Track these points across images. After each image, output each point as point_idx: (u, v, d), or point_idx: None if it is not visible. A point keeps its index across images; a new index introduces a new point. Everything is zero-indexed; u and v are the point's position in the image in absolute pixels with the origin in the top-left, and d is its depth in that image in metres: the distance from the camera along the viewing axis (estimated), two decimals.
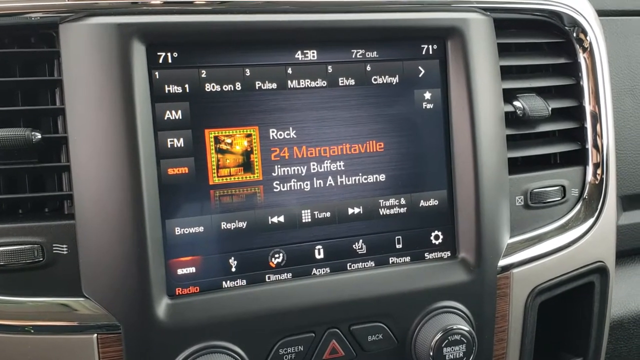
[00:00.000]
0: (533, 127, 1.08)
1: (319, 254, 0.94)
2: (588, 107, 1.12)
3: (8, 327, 0.82)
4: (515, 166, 1.07)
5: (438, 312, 0.96)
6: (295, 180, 0.92)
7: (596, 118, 1.12)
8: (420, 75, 0.97)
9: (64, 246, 0.84)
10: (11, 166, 0.85)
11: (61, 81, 0.84)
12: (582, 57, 1.12)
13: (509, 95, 1.05)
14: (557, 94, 1.13)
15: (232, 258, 0.90)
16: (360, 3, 0.93)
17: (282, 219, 0.92)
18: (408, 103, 0.96)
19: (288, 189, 0.92)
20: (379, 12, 0.94)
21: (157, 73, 0.85)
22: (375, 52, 0.95)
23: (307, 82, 0.92)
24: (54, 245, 0.84)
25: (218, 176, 0.89)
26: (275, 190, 0.91)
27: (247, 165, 0.90)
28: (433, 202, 0.98)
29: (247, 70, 0.89)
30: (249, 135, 0.90)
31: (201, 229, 0.88)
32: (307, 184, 0.93)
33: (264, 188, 0.91)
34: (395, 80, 0.96)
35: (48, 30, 0.86)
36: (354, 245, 0.96)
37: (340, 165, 0.94)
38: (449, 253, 1.00)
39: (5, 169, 0.85)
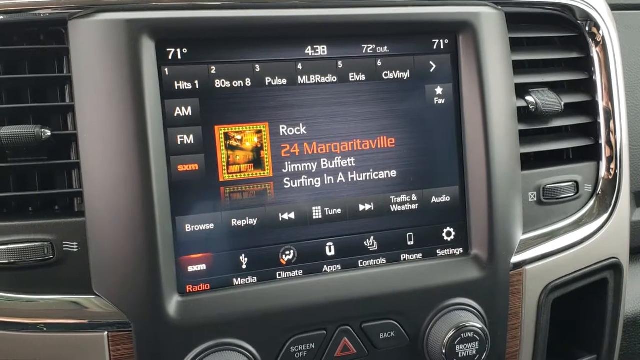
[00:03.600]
0: (546, 122, 1.06)
1: (330, 250, 0.93)
2: (601, 102, 1.10)
3: (20, 325, 0.82)
4: (528, 162, 1.06)
5: (450, 309, 0.95)
6: (305, 177, 0.92)
7: (609, 113, 1.10)
8: (431, 70, 0.96)
9: (74, 244, 0.84)
10: (21, 164, 0.84)
11: (70, 78, 0.84)
12: (594, 52, 1.11)
13: (521, 90, 1.04)
14: (570, 88, 1.11)
15: (243, 255, 0.89)
16: None
17: (292, 215, 0.91)
18: (419, 98, 0.95)
19: (298, 185, 0.91)
20: (389, 6, 0.93)
21: (166, 69, 0.85)
22: (386, 47, 0.94)
23: (318, 77, 0.91)
24: (64, 242, 0.83)
25: (228, 173, 0.88)
26: (285, 186, 0.91)
27: (257, 162, 0.89)
28: (445, 199, 0.97)
29: (257, 66, 0.89)
30: (259, 132, 0.89)
31: (211, 226, 0.87)
32: (317, 181, 0.92)
33: (274, 185, 0.90)
34: (406, 75, 0.95)
35: (57, 27, 0.85)
36: (365, 242, 0.95)
37: (351, 162, 0.93)
38: (461, 250, 0.99)
39: (15, 167, 0.84)
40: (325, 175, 0.92)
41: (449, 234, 0.98)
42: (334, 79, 0.92)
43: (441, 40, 0.96)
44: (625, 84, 1.13)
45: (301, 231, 0.92)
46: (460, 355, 0.93)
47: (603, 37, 1.10)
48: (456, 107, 0.97)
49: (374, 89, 0.93)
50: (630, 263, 1.16)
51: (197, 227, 0.87)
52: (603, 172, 1.10)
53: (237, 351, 0.86)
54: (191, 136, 0.86)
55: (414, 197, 0.96)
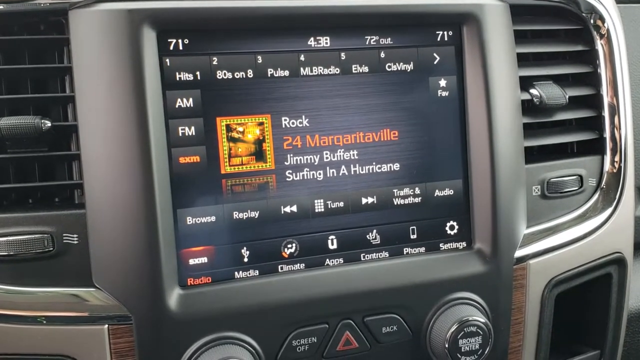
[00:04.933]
0: (550, 115, 1.06)
1: (332, 244, 0.93)
2: (605, 95, 1.10)
3: (20, 317, 0.82)
4: (532, 155, 1.05)
5: (453, 303, 0.95)
6: (308, 170, 0.91)
7: (614, 106, 1.10)
8: (435, 62, 0.95)
9: (75, 236, 0.83)
10: (21, 155, 0.83)
11: (71, 68, 0.83)
12: (599, 44, 1.10)
13: (525, 83, 1.03)
14: (574, 82, 1.11)
15: (245, 248, 0.89)
16: None
17: (294, 208, 0.90)
18: (423, 91, 0.94)
19: (301, 178, 0.90)
20: None
21: (168, 60, 0.84)
22: (389, 39, 0.93)
23: (320, 69, 0.90)
24: (64, 235, 0.83)
25: (230, 165, 0.87)
26: (287, 179, 0.90)
27: (259, 154, 0.88)
28: (448, 192, 0.97)
29: (259, 57, 0.88)
30: (261, 124, 0.88)
31: (213, 218, 0.87)
32: (320, 173, 0.91)
33: (276, 177, 0.89)
34: (409, 67, 0.94)
35: (57, 17, 0.84)
36: (367, 236, 0.94)
37: (353, 154, 0.92)
38: (464, 244, 0.98)
39: (15, 158, 0.83)
40: (327, 168, 0.91)
41: (452, 227, 0.98)
42: (337, 70, 0.91)
43: (445, 32, 0.95)
44: (630, 77, 1.12)
45: (303, 224, 0.91)
46: (463, 350, 0.92)
47: (608, 30, 1.10)
48: (460, 100, 0.96)
49: (377, 81, 0.93)
50: (634, 258, 1.15)
51: (198, 220, 0.86)
52: (607, 166, 1.09)
53: (239, 345, 0.85)
54: (192, 128, 0.85)
55: (417, 191, 0.95)
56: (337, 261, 0.93)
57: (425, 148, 0.95)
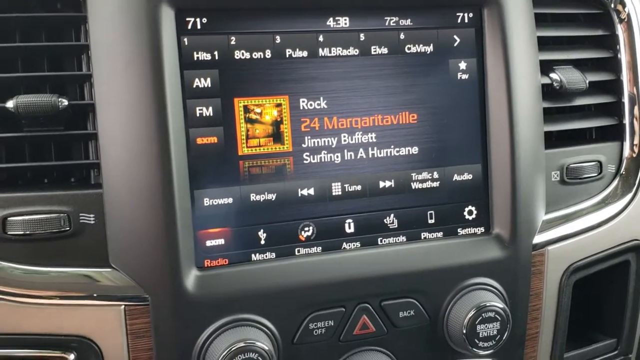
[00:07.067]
0: (569, 100, 1.05)
1: (350, 227, 0.92)
2: (625, 81, 1.08)
3: (36, 297, 0.81)
4: (550, 140, 1.04)
5: (471, 288, 0.94)
6: (325, 152, 0.90)
7: (634, 91, 1.08)
8: (455, 45, 0.94)
9: (91, 216, 0.82)
10: (37, 133, 0.83)
11: (88, 47, 0.82)
12: (619, 29, 1.08)
13: (545, 67, 1.02)
14: (594, 67, 1.09)
15: (262, 230, 0.88)
16: None
17: (312, 191, 0.90)
18: (442, 73, 0.93)
19: (318, 160, 0.89)
20: None
21: (185, 39, 0.83)
22: (409, 20, 0.91)
23: (339, 50, 0.89)
24: (80, 214, 0.82)
25: (247, 147, 0.86)
26: (305, 161, 0.89)
27: (276, 136, 0.88)
28: (467, 176, 0.96)
29: (277, 38, 0.87)
30: (278, 105, 0.87)
31: (230, 200, 0.86)
32: (337, 156, 0.90)
33: (293, 159, 0.88)
34: (429, 49, 0.93)
35: None
36: (385, 220, 0.93)
37: (371, 137, 0.91)
38: (482, 229, 0.97)
39: (31, 137, 0.83)
40: (345, 150, 0.90)
41: (470, 212, 0.97)
42: (356, 51, 0.90)
43: (465, 14, 0.94)
44: None
45: (320, 207, 0.90)
46: (481, 335, 0.91)
47: (628, 15, 1.08)
48: (480, 83, 0.95)
49: (396, 62, 0.91)
50: None
51: (215, 201, 0.85)
52: (627, 152, 1.08)
53: (256, 327, 0.84)
54: (210, 108, 0.84)
55: (436, 175, 0.94)
56: (354, 245, 0.92)
57: (444, 132, 0.94)
